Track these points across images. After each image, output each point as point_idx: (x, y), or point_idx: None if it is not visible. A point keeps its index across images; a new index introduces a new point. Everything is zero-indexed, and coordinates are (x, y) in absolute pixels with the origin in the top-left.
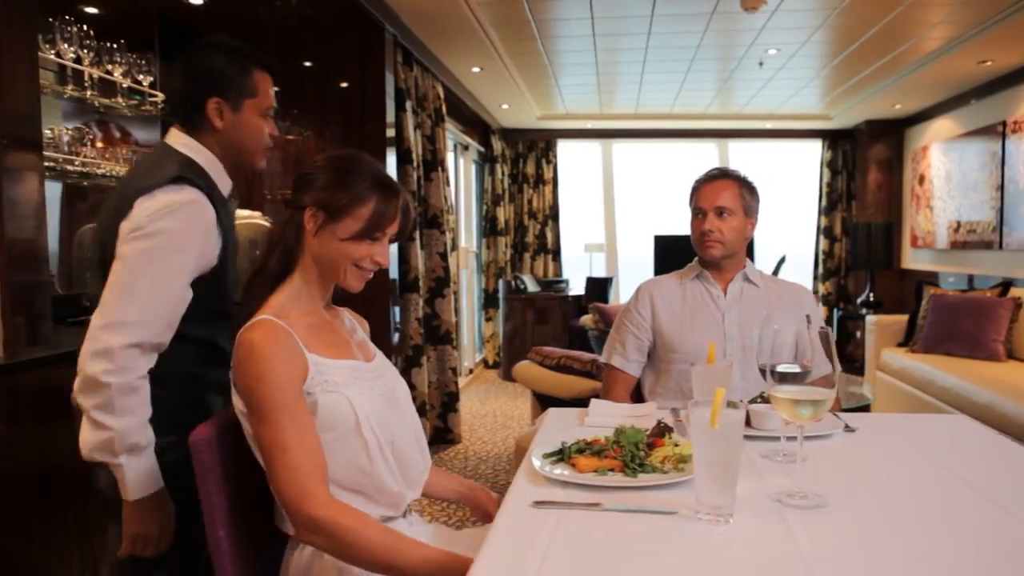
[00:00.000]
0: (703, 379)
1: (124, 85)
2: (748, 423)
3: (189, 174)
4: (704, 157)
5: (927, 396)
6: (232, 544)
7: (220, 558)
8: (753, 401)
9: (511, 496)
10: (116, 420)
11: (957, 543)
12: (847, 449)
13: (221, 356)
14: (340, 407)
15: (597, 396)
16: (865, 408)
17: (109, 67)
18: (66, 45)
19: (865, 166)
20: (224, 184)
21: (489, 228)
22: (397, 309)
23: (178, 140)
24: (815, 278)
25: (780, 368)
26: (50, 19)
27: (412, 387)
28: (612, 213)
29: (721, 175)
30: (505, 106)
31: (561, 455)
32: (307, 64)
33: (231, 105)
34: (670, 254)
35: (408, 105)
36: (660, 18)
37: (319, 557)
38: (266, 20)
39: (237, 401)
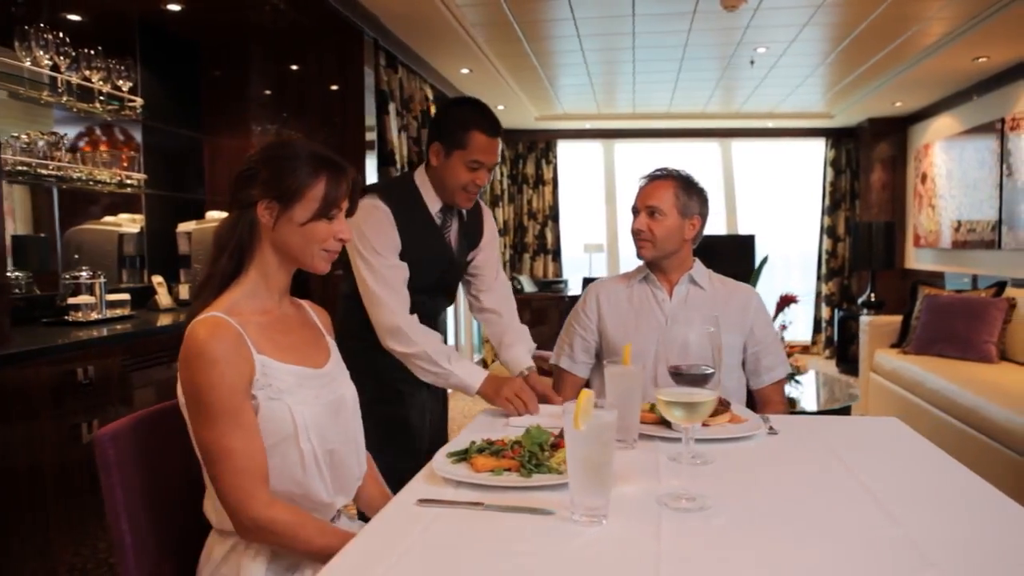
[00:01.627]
0: (615, 380)
1: (104, 90)
2: (668, 425)
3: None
4: (707, 157)
5: (916, 398)
6: (134, 537)
7: (122, 551)
8: None
9: (400, 494)
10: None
11: (820, 548)
12: (760, 452)
13: None
14: (280, 416)
15: None
16: (845, 411)
17: (87, 73)
18: (42, 52)
19: (869, 165)
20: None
21: None
22: None
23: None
24: (818, 278)
25: (682, 369)
26: (26, 27)
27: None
28: (614, 214)
29: (660, 175)
30: (501, 107)
31: (465, 454)
32: (294, 68)
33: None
34: None
35: (391, 107)
36: (642, 18)
37: (235, 548)
38: (245, 25)
39: (180, 395)
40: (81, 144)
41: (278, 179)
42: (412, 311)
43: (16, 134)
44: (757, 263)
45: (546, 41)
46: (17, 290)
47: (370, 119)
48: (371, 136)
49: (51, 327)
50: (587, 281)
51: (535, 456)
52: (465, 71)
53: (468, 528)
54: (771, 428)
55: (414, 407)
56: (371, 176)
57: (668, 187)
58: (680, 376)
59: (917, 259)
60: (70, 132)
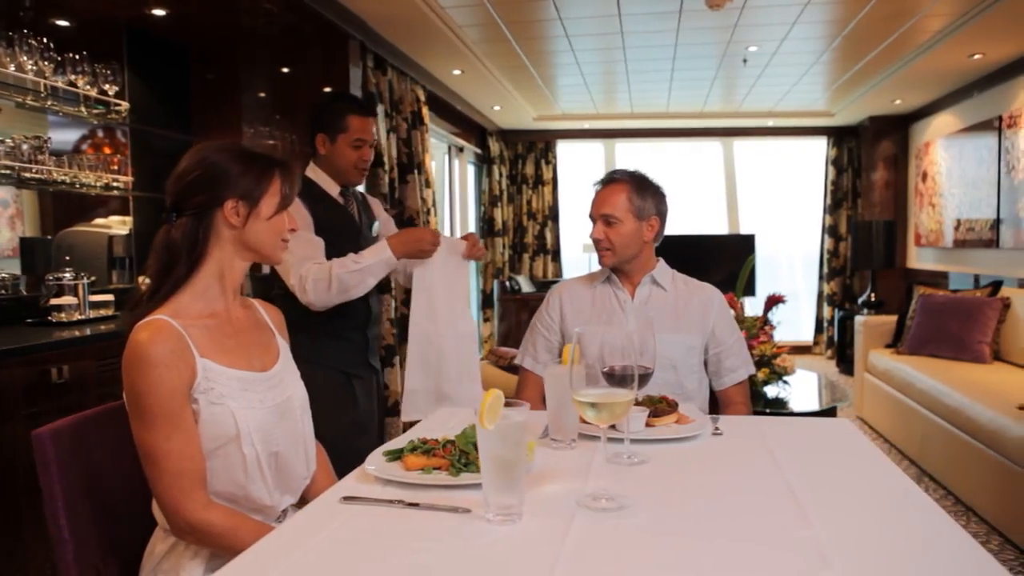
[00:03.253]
0: (553, 380)
1: (91, 95)
2: (612, 425)
3: None
4: (709, 156)
5: (906, 399)
6: (73, 534)
7: (61, 545)
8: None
9: (328, 492)
10: (334, 282)
11: (722, 549)
12: (699, 453)
13: None
14: (222, 420)
15: None
16: (831, 412)
17: (73, 78)
18: (25, 58)
19: (871, 163)
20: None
21: (487, 229)
22: None
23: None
24: (820, 278)
25: (618, 369)
26: (10, 33)
27: (385, 386)
28: None
29: (612, 179)
30: (497, 107)
31: (399, 453)
32: (285, 70)
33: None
34: (669, 254)
35: (380, 109)
36: (628, 17)
37: (176, 547)
38: (234, 29)
39: (125, 396)
40: (84, 147)
41: (240, 180)
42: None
43: (1, 138)
44: (752, 264)
45: (536, 41)
46: (3, 291)
47: None
48: None
49: (34, 327)
50: None
51: (466, 455)
52: (457, 72)
53: (381, 525)
54: (716, 429)
55: (360, 388)
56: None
57: (621, 191)
58: (612, 377)
59: (919, 258)
60: (72, 136)
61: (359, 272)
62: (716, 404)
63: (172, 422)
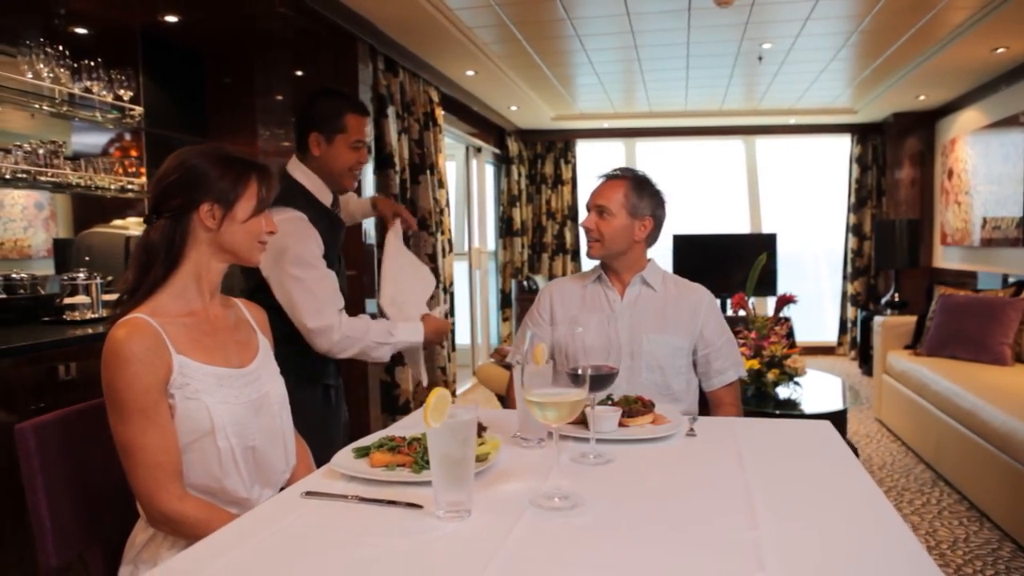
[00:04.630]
0: (528, 379)
1: (107, 100)
2: (585, 425)
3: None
4: (731, 154)
5: (923, 401)
6: (55, 523)
7: (42, 535)
8: (603, 402)
9: (293, 486)
10: (360, 344)
11: (661, 549)
12: (668, 454)
13: None
14: (198, 415)
15: None
16: (840, 415)
17: (88, 84)
18: (42, 66)
19: (896, 161)
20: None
21: (505, 229)
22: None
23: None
24: (844, 277)
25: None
26: (28, 42)
27: (396, 385)
28: None
29: (613, 175)
30: (514, 108)
31: (367, 450)
32: (299, 74)
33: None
34: (690, 254)
35: (390, 111)
36: (637, 16)
37: (155, 538)
38: (246, 33)
39: (104, 391)
40: (112, 150)
41: (218, 182)
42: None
43: (19, 143)
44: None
45: (547, 42)
46: (22, 290)
47: None
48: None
49: (48, 326)
50: None
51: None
52: (470, 73)
53: (335, 519)
54: (691, 430)
55: (340, 399)
56: (368, 180)
57: (619, 187)
58: (577, 378)
59: (945, 258)
60: (99, 139)
61: (389, 347)
62: (707, 406)
63: (147, 416)
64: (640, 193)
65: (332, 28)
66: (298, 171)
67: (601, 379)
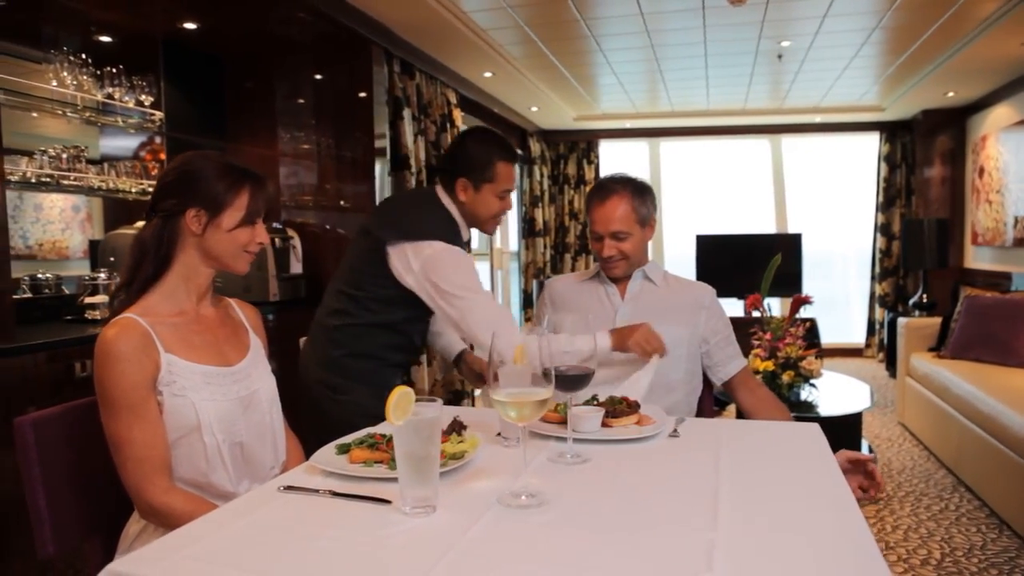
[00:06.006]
0: (507, 379)
1: (128, 106)
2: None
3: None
4: (756, 153)
5: (944, 405)
6: (52, 513)
7: (40, 525)
8: (589, 403)
9: (273, 480)
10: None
11: (614, 548)
12: (647, 454)
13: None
14: (184, 411)
15: None
16: (855, 417)
17: (110, 90)
18: (66, 73)
19: (926, 159)
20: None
21: (527, 230)
22: None
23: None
24: (872, 278)
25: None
26: (51, 51)
27: (412, 384)
28: (660, 213)
29: (611, 192)
30: (534, 108)
31: (349, 447)
32: (318, 77)
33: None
34: (713, 254)
35: (406, 113)
36: (651, 16)
37: (146, 529)
38: (263, 38)
39: (95, 388)
40: (144, 154)
41: (207, 189)
42: (417, 334)
43: (44, 148)
44: (793, 264)
45: (562, 43)
46: (47, 290)
47: (381, 126)
48: (382, 143)
49: (70, 324)
50: None
51: None
52: (488, 75)
53: (304, 513)
54: (675, 431)
55: None
56: (381, 182)
57: (625, 204)
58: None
59: (975, 258)
60: (128, 144)
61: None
62: (706, 399)
63: (135, 412)
64: (643, 200)
65: (348, 32)
66: (448, 203)
67: (575, 379)
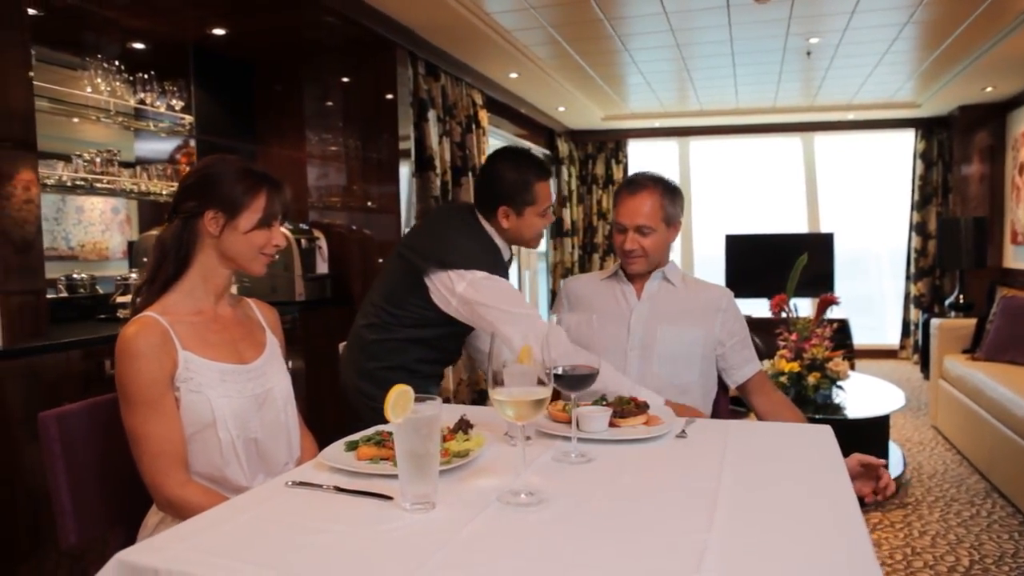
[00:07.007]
0: (512, 378)
1: (160, 110)
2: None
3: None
4: (788, 152)
5: (977, 408)
6: (76, 505)
7: (63, 516)
8: (597, 403)
9: (282, 476)
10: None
11: (606, 548)
12: (653, 455)
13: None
14: (200, 407)
15: None
16: (883, 419)
17: (143, 96)
18: (100, 80)
19: (964, 156)
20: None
21: (555, 230)
22: None
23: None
24: (907, 278)
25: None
26: (86, 58)
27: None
28: (689, 212)
29: (642, 187)
30: (562, 108)
31: (356, 444)
32: (345, 80)
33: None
34: (743, 254)
35: (431, 114)
36: (675, 15)
37: (164, 521)
38: (291, 43)
39: (116, 384)
40: (179, 156)
41: (225, 192)
42: (453, 347)
43: (79, 152)
44: (825, 264)
45: (587, 43)
46: (82, 289)
47: (406, 128)
48: (406, 145)
49: (102, 323)
50: None
51: None
52: (513, 75)
53: (308, 508)
54: (682, 432)
55: None
56: (407, 183)
57: (655, 200)
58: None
59: (1015, 258)
60: (163, 147)
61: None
62: (721, 402)
63: (152, 408)
64: (673, 199)
65: (373, 35)
66: (488, 228)
67: (578, 379)
